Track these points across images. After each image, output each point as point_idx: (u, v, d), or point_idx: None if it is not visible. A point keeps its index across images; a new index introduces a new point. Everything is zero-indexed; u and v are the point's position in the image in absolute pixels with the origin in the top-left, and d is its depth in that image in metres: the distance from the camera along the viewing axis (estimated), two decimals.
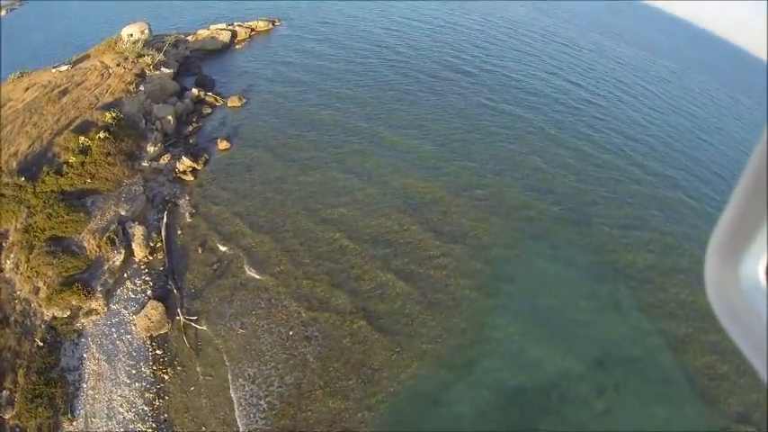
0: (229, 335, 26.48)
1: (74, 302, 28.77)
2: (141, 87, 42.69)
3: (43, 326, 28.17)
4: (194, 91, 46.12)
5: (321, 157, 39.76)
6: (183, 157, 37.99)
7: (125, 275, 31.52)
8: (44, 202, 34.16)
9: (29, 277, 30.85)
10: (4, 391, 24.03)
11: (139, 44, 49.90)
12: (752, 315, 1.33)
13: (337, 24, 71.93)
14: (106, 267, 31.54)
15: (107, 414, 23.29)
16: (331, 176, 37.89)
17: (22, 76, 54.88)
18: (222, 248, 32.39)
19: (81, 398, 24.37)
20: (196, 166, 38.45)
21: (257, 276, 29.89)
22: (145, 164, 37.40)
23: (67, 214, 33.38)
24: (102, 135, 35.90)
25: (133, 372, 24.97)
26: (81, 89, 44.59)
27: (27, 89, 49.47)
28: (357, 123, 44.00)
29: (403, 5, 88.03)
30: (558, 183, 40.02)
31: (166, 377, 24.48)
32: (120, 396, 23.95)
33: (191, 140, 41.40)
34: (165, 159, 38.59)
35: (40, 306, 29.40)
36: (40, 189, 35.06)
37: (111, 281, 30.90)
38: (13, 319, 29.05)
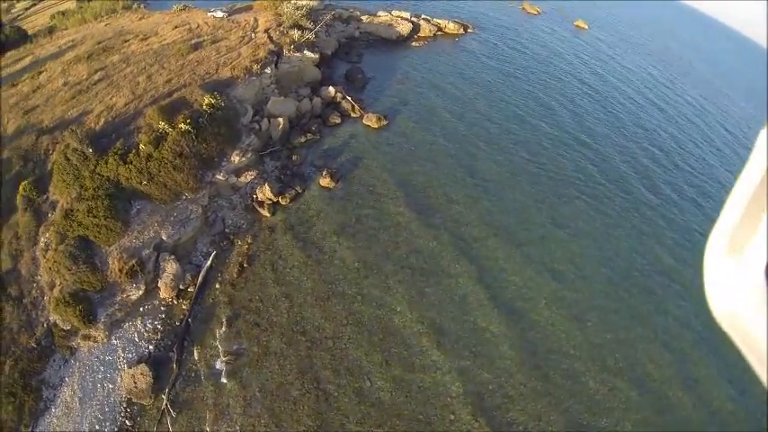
0: None
1: (74, 323, 25.18)
2: (268, 70, 34.65)
3: (45, 325, 25.64)
4: (331, 90, 36.99)
5: (435, 270, 28.47)
6: (265, 185, 29.09)
7: (141, 309, 26.73)
8: (95, 189, 28.61)
9: (50, 268, 27.29)
10: None
11: (303, 11, 42.14)
12: (752, 316, 1.32)
13: (532, 56, 57.72)
14: (119, 299, 26.40)
15: None
16: (428, 316, 26.46)
17: (184, 9, 51.76)
18: (245, 343, 24.92)
19: (45, 421, 22.73)
20: (280, 201, 29.55)
21: None
22: (220, 176, 29.63)
23: (106, 218, 27.46)
24: (183, 126, 28.43)
25: (96, 428, 22.18)
26: (213, 49, 38.48)
27: (176, 27, 45.46)
28: (503, 235, 31.18)
29: (620, 56, 70.62)
30: None
31: None
32: None
33: (294, 157, 32.45)
34: (248, 176, 30.45)
35: (48, 304, 26.20)
36: (100, 170, 29.56)
37: (120, 314, 26.16)
38: (26, 301, 26.68)
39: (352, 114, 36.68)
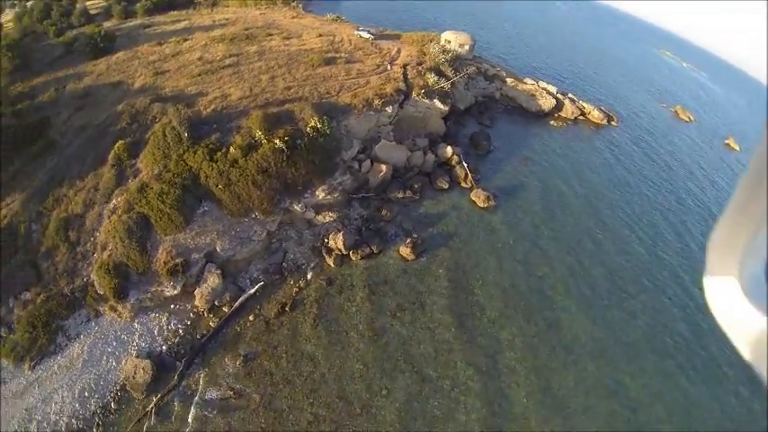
0: None
1: (106, 291, 24.88)
2: (389, 108, 31.72)
3: (84, 280, 25.86)
4: (449, 150, 33.29)
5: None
6: (340, 235, 25.85)
7: (171, 307, 25.49)
8: (174, 174, 27.11)
9: (108, 231, 27.07)
10: (27, 294, 25.31)
11: (448, 56, 39.20)
12: (751, 316, 1.34)
13: (667, 171, 49.41)
14: (153, 289, 25.25)
15: (42, 399, 22.17)
16: None
17: (336, 20, 51.25)
18: (252, 387, 22.41)
19: (47, 364, 23.35)
20: (351, 255, 26.25)
21: None
22: (298, 207, 26.81)
23: (172, 207, 25.76)
24: (278, 143, 26.06)
25: (85, 395, 22.07)
26: (344, 69, 36.53)
27: (320, 36, 44.54)
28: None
29: None
30: None
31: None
32: (59, 402, 22.04)
33: (384, 211, 29.00)
34: (327, 216, 27.40)
35: (95, 263, 26.25)
36: (187, 157, 28.17)
37: (149, 303, 25.23)
38: (79, 250, 27.13)
39: (462, 184, 32.60)
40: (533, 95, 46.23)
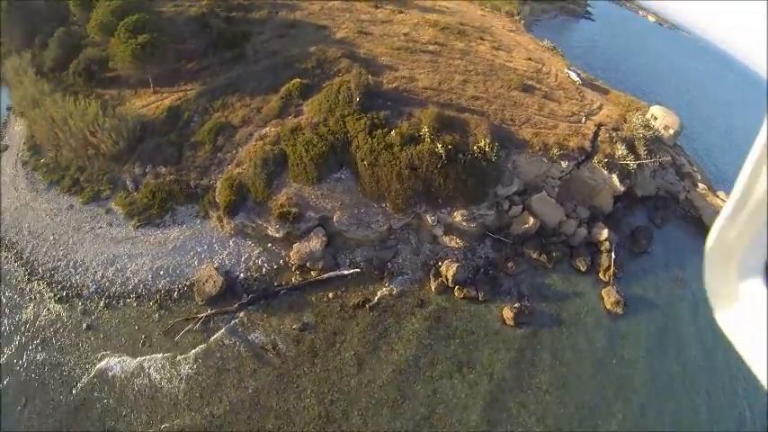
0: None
1: (220, 202, 26.88)
2: (564, 163, 28.80)
3: (209, 182, 28.31)
4: (604, 234, 29.49)
5: None
6: (455, 266, 24.03)
7: (267, 245, 26.39)
8: (330, 131, 27.36)
9: (250, 152, 28.49)
10: (162, 168, 28.79)
11: (647, 133, 34.88)
12: (752, 317, 1.34)
13: None
14: (258, 222, 26.35)
15: (128, 255, 25.41)
16: None
17: (553, 49, 48.72)
18: (293, 352, 22.74)
19: (148, 231, 26.58)
20: (455, 290, 24.49)
21: None
22: (429, 219, 25.30)
23: (311, 159, 25.77)
24: (439, 147, 24.65)
25: (160, 273, 24.74)
26: (538, 103, 34.08)
27: (529, 60, 42.26)
28: None
29: None
30: None
31: (150, 311, 23.49)
32: (139, 266, 24.86)
33: (510, 264, 26.67)
34: (453, 241, 25.89)
35: (225, 173, 28.20)
36: (347, 120, 28.06)
37: (250, 231, 26.64)
38: (219, 156, 29.41)
39: (601, 274, 28.57)
40: (713, 207, 39.78)
